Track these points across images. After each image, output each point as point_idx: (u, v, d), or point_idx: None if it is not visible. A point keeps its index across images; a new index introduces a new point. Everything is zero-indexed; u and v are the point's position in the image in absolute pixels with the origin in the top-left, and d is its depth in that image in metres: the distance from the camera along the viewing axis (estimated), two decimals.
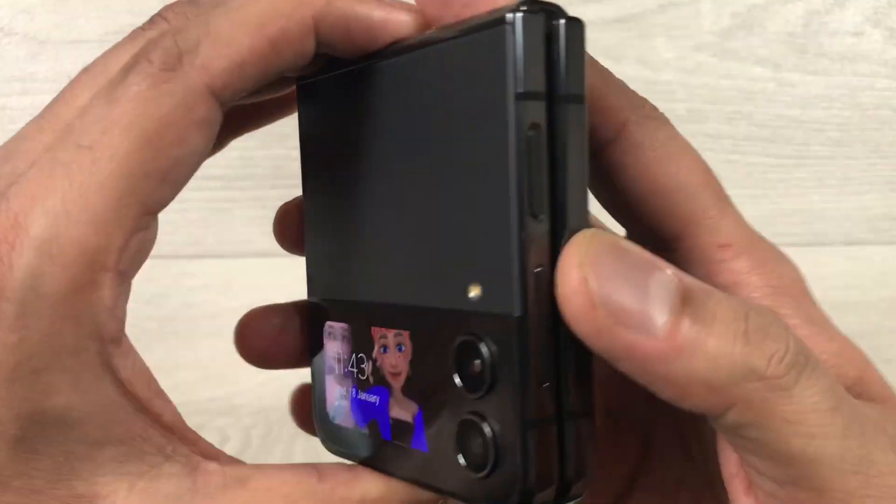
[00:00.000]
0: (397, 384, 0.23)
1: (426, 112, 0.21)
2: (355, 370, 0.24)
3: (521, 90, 0.19)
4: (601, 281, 0.19)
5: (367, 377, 0.24)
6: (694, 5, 0.48)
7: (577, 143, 0.19)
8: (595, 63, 0.23)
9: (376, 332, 0.24)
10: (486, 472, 0.20)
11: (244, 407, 0.48)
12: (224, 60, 0.20)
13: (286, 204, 0.28)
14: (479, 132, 0.20)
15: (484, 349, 0.20)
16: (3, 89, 0.48)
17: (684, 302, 0.19)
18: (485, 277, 0.20)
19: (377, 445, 0.24)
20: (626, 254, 0.19)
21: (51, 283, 0.19)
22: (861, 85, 0.49)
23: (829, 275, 0.47)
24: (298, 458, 0.48)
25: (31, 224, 0.19)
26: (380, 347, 0.23)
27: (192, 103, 0.20)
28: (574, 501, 0.21)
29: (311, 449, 0.48)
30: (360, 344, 0.24)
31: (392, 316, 0.23)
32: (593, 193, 0.24)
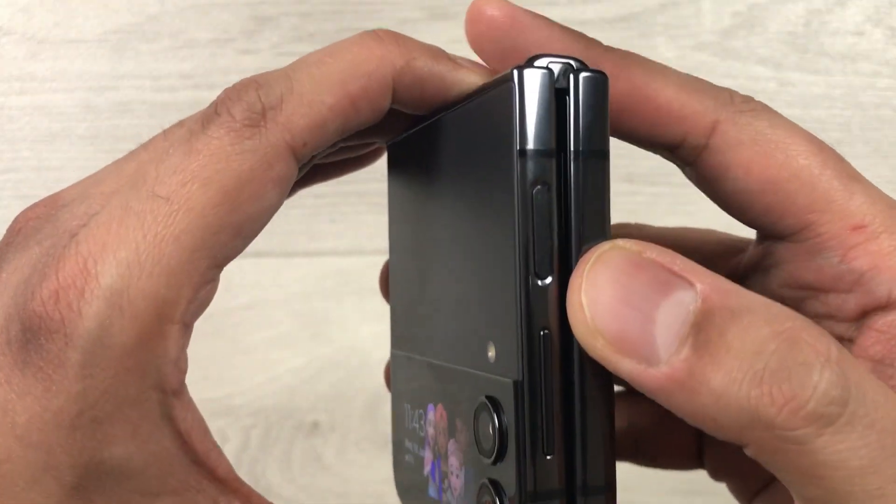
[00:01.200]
0: (441, 443, 0.22)
1: (458, 170, 0.21)
2: (416, 425, 0.24)
3: (524, 147, 0.18)
4: (600, 307, 0.18)
5: (421, 434, 0.24)
6: (695, 4, 0.48)
7: (594, 200, 0.19)
8: (666, 70, 0.22)
9: (420, 386, 0.23)
10: None
11: (243, 407, 0.48)
12: (306, 119, 0.20)
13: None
14: (491, 191, 0.19)
15: (495, 413, 0.19)
16: (1, 88, 0.48)
17: (697, 329, 0.18)
18: (497, 339, 0.19)
19: (430, 502, 0.23)
20: (641, 271, 0.18)
21: (119, 334, 0.19)
22: (862, 84, 0.48)
23: None
24: (297, 459, 0.48)
25: (102, 273, 0.19)
26: (428, 405, 0.23)
27: (273, 160, 0.20)
28: None
29: (310, 449, 0.48)
30: (415, 400, 0.24)
31: (433, 375, 0.23)
32: (707, 195, 0.23)
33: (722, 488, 0.29)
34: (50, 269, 0.20)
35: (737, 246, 0.26)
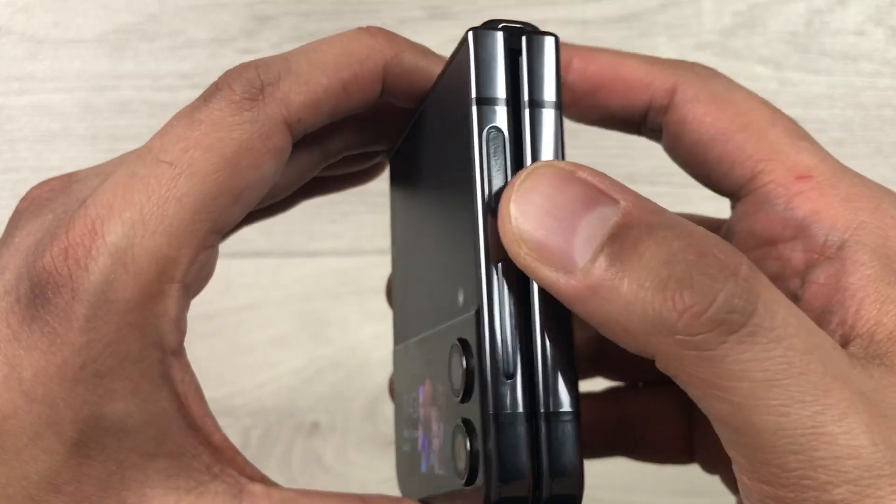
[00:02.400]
0: (428, 414, 0.23)
1: (439, 145, 0.23)
2: (412, 409, 0.25)
3: (479, 96, 0.20)
4: (525, 217, 0.19)
5: (414, 416, 0.24)
6: (695, 4, 0.48)
7: (545, 145, 0.20)
8: (632, 53, 0.24)
9: (411, 368, 0.24)
10: (465, 479, 0.20)
11: (243, 407, 0.48)
12: (301, 96, 0.22)
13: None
14: (456, 144, 0.21)
15: (465, 351, 0.20)
16: (0, 88, 0.48)
17: (613, 240, 0.19)
18: (464, 281, 0.20)
19: (420, 478, 0.24)
20: (569, 186, 0.19)
21: (122, 290, 0.20)
22: (863, 84, 0.48)
23: None
24: (297, 459, 0.48)
25: (108, 231, 0.20)
26: (419, 387, 0.24)
27: (270, 132, 0.21)
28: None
29: (310, 450, 0.48)
30: (410, 384, 0.25)
31: (421, 352, 0.24)
32: (678, 164, 0.25)
33: (723, 490, 0.29)
34: (60, 230, 0.21)
35: (715, 223, 0.27)
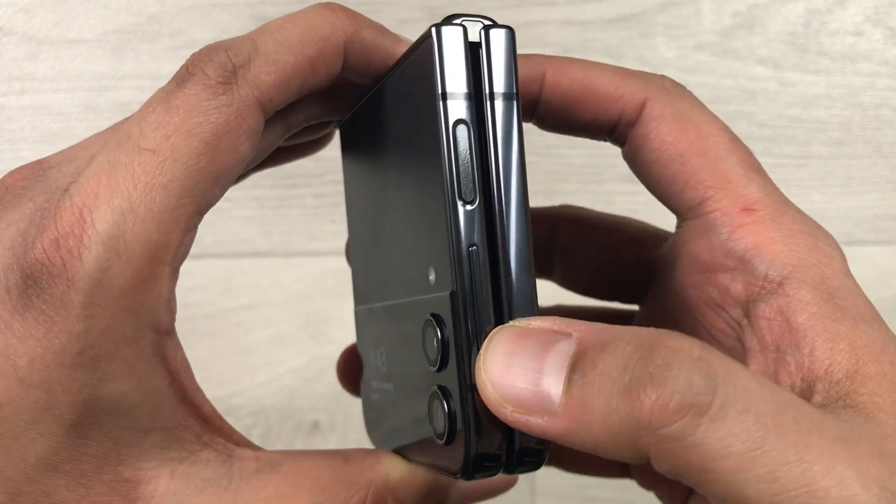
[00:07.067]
0: (396, 372, 0.25)
1: (398, 125, 0.24)
2: (380, 363, 0.27)
3: (444, 91, 0.21)
4: (498, 379, 0.20)
5: (384, 369, 0.26)
6: (695, 4, 0.48)
7: (506, 135, 0.22)
8: (602, 64, 0.25)
9: (380, 330, 0.26)
10: (445, 439, 0.22)
11: (243, 407, 0.48)
12: (272, 76, 0.22)
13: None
14: (422, 135, 0.22)
15: (439, 326, 0.22)
16: (1, 88, 0.48)
17: (574, 368, 0.20)
18: (435, 262, 0.22)
19: (393, 430, 0.26)
20: (527, 339, 0.20)
21: (117, 276, 0.21)
22: (862, 84, 0.49)
23: None
24: None
25: (98, 220, 0.21)
26: (386, 342, 0.26)
27: (245, 114, 0.22)
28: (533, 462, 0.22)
29: (310, 449, 0.48)
30: (377, 341, 0.27)
31: (389, 316, 0.25)
32: (637, 176, 0.26)
33: None
34: (48, 221, 0.21)
35: (662, 235, 0.28)
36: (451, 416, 0.21)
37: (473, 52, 0.22)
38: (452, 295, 0.21)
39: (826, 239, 0.23)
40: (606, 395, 0.19)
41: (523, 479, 0.48)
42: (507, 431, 0.21)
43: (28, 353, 0.20)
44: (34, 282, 0.21)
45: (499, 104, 0.22)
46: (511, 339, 0.20)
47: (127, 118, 0.23)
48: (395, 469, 0.24)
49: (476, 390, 0.21)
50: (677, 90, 0.25)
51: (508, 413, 0.20)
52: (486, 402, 0.21)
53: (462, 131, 0.21)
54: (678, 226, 0.26)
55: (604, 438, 0.19)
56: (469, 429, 0.21)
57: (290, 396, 0.48)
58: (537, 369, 0.20)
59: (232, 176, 0.23)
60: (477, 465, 0.21)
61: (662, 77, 0.25)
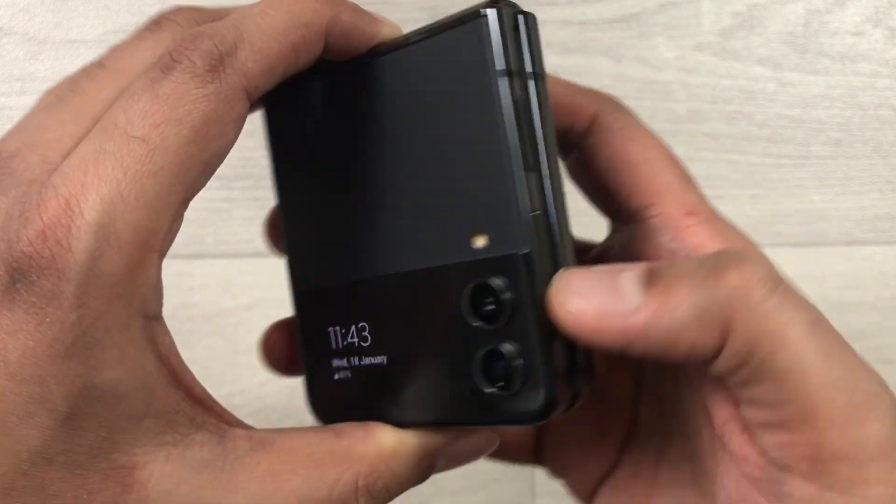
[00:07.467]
0: (399, 344, 0.25)
1: (414, 100, 0.25)
2: (355, 340, 0.27)
3: (503, 68, 0.23)
4: (574, 299, 0.22)
5: (366, 345, 0.26)
6: (694, 5, 0.48)
7: (546, 112, 0.24)
8: (559, 78, 0.27)
9: (375, 300, 0.26)
10: (514, 390, 0.23)
11: (243, 407, 0.48)
12: (258, 64, 0.23)
13: (276, 207, 0.30)
14: (468, 108, 0.23)
15: (498, 287, 0.23)
16: (2, 89, 0.48)
17: (651, 275, 0.22)
18: (491, 227, 0.23)
19: (389, 401, 0.26)
20: (590, 272, 0.23)
21: (108, 265, 0.21)
22: (861, 85, 0.49)
23: (829, 275, 0.47)
24: None
25: (87, 209, 0.21)
26: (382, 314, 0.26)
27: (233, 102, 0.22)
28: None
29: (302, 426, 0.48)
30: (351, 317, 0.27)
31: (382, 286, 0.26)
32: (576, 183, 0.28)
33: None
34: (31, 214, 0.21)
35: (586, 246, 0.30)
36: (524, 367, 0.23)
37: (516, 35, 0.23)
38: (527, 256, 0.23)
39: (751, 241, 0.26)
40: (690, 280, 0.22)
41: (523, 479, 0.48)
42: (575, 378, 0.24)
43: (19, 347, 0.20)
44: (22, 275, 0.20)
45: (538, 83, 0.24)
46: (579, 273, 0.23)
47: (81, 86, 0.24)
48: (386, 439, 0.25)
49: (548, 335, 0.23)
50: (623, 108, 0.27)
51: (591, 323, 0.22)
52: (563, 326, 0.22)
53: (523, 104, 0.23)
54: (614, 230, 0.28)
55: (688, 318, 0.22)
56: (552, 375, 0.23)
57: (291, 396, 0.48)
58: (611, 286, 0.22)
59: (219, 162, 0.23)
60: (550, 404, 0.23)
61: (610, 95, 0.27)
